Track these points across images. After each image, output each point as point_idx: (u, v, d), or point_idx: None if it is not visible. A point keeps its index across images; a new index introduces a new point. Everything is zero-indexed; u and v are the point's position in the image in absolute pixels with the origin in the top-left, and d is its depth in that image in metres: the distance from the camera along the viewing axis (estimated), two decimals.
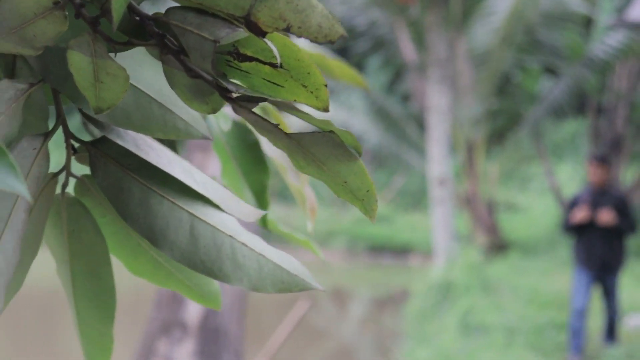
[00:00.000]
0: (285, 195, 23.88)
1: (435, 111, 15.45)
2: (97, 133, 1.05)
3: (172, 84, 0.98)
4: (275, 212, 16.80)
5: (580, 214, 9.32)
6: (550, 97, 17.79)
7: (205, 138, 1.03)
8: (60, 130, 1.06)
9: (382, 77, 25.54)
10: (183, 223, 1.02)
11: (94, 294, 1.10)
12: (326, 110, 0.95)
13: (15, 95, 1.00)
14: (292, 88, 0.96)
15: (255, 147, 1.61)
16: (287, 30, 0.93)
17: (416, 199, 25.40)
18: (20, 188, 0.79)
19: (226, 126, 1.59)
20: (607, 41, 16.90)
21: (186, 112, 1.04)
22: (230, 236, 1.02)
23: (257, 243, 1.03)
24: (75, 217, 1.08)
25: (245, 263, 1.01)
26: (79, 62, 0.95)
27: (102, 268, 1.09)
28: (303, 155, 0.97)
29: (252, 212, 1.09)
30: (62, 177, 1.07)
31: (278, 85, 0.96)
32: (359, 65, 23.97)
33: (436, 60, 15.68)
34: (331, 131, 0.95)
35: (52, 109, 1.08)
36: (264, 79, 0.96)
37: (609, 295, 9.60)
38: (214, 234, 1.02)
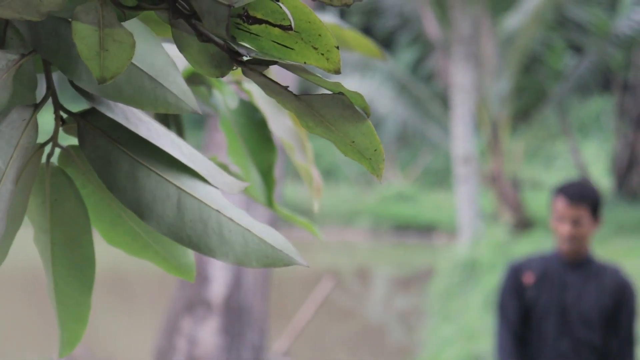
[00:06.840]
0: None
1: (460, 89, 15.39)
2: (87, 105, 1.05)
3: (181, 47, 0.98)
4: (293, 191, 16.81)
5: None
6: (576, 74, 17.68)
7: (195, 112, 1.03)
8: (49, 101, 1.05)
9: (409, 55, 25.46)
10: (170, 196, 1.02)
11: (73, 263, 1.10)
12: (337, 72, 0.94)
13: (7, 65, 0.99)
14: (302, 50, 0.95)
15: (262, 125, 1.59)
16: None
17: (441, 177, 25.34)
18: None
19: (233, 104, 1.58)
20: (633, 17, 16.77)
21: (177, 87, 1.03)
22: (217, 210, 1.02)
23: (243, 217, 1.03)
24: (58, 186, 1.08)
25: (231, 238, 1.01)
26: (83, 30, 0.95)
27: (83, 237, 1.09)
28: (312, 116, 0.97)
29: (236, 184, 1.10)
30: (47, 147, 1.07)
31: (288, 47, 0.95)
32: (385, 44, 23.88)
33: (460, 38, 15.61)
34: (340, 93, 0.95)
35: (41, 80, 1.08)
36: (273, 41, 0.96)
37: None
38: (201, 208, 1.02)
